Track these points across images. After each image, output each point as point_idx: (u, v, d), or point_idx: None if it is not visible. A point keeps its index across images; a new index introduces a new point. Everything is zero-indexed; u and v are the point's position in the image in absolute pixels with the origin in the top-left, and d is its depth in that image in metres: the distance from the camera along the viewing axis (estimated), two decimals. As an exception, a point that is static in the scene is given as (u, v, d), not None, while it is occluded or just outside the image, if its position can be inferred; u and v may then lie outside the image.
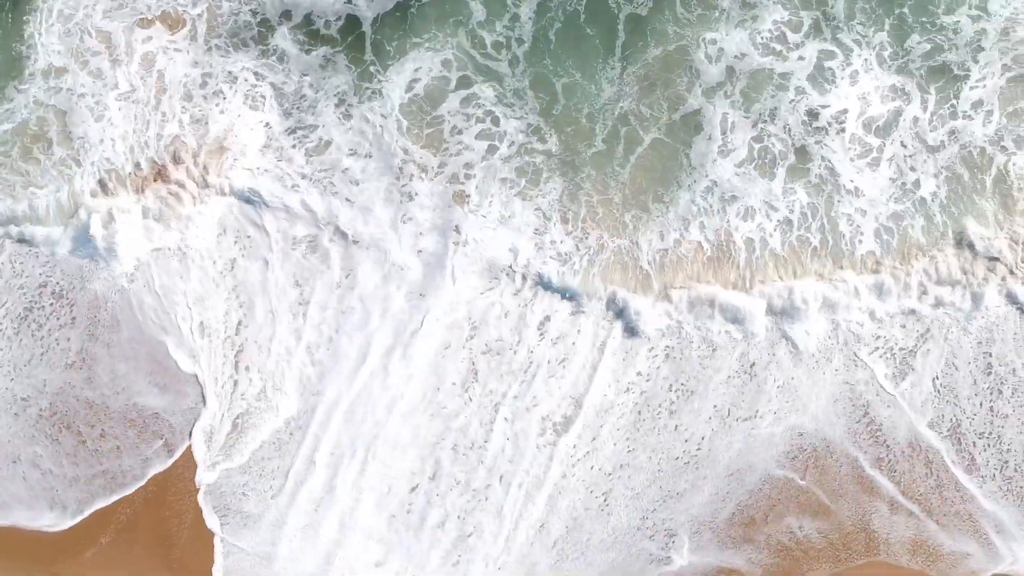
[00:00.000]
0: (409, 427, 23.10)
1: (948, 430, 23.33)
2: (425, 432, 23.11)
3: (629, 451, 23.23)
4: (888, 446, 23.28)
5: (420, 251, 23.06)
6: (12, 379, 23.26)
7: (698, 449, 23.25)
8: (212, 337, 23.05)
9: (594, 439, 23.21)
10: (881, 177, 23.34)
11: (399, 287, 23.04)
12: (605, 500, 23.26)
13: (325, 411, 23.11)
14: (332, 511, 23.11)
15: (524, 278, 23.10)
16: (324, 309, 23.05)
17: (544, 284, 23.05)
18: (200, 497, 23.15)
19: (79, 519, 23.24)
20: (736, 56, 23.25)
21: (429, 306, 23.06)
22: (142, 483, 23.31)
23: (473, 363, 23.08)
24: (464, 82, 23.30)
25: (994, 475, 23.40)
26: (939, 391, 23.32)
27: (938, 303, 23.20)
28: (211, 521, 23.08)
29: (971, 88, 23.28)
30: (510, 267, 23.10)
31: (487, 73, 23.31)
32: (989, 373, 23.38)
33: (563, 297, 23.12)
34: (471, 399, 23.10)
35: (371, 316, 23.04)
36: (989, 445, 23.38)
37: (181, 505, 23.35)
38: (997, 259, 23.15)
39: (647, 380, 23.27)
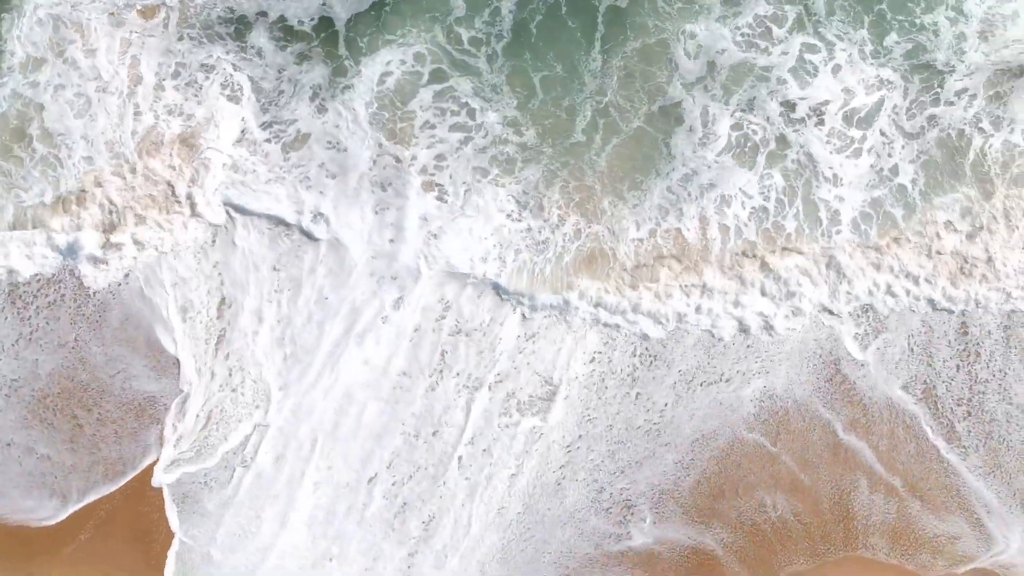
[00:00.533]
0: (369, 415, 23.02)
1: (922, 393, 22.89)
2: (387, 420, 23.03)
3: (589, 420, 23.04)
4: (864, 405, 23.02)
5: (392, 240, 23.06)
6: (1, 360, 23.11)
7: (660, 416, 22.98)
8: (194, 322, 23.01)
9: (555, 414, 23.07)
10: (862, 166, 23.34)
11: (370, 275, 23.02)
12: (563, 474, 23.08)
13: (288, 403, 23.07)
14: (282, 506, 23.07)
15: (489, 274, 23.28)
16: (297, 298, 23.02)
17: (497, 288, 23.20)
18: (166, 493, 23.16)
19: (79, 507, 23.06)
20: (718, 51, 23.19)
21: (399, 294, 22.97)
22: (137, 472, 23.23)
23: (441, 347, 23.01)
24: (438, 75, 23.26)
25: (977, 447, 23.02)
26: (912, 350, 23.10)
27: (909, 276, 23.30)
28: (172, 517, 23.07)
29: (956, 80, 23.29)
30: (481, 258, 23.18)
31: (463, 68, 23.28)
32: (965, 334, 23.09)
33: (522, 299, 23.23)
34: (436, 384, 23.01)
35: (342, 304, 23.01)
36: (969, 413, 22.91)
37: (160, 500, 23.16)
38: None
39: (612, 349, 23.17)
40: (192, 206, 23.08)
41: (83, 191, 23.03)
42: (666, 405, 23.17)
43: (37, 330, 23.03)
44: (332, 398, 23.07)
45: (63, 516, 22.96)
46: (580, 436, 23.23)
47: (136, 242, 23.06)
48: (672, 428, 23.16)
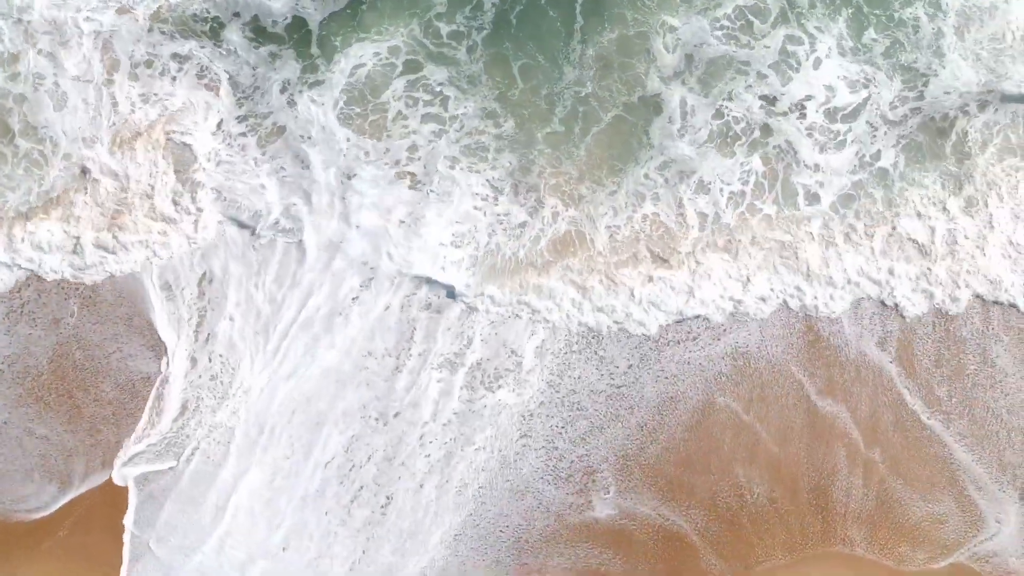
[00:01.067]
0: (331, 398, 22.93)
1: (896, 352, 22.54)
2: (348, 403, 22.89)
3: (550, 385, 22.77)
4: (840, 364, 22.75)
5: (358, 226, 23.09)
6: (-8, 338, 23.17)
7: (624, 376, 22.73)
8: (176, 301, 22.97)
9: (528, 389, 22.89)
10: (844, 157, 23.27)
11: (338, 261, 23.01)
12: (523, 444, 22.82)
13: (255, 388, 22.97)
14: (232, 496, 22.88)
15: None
16: (268, 283, 23.03)
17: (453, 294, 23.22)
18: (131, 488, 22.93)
19: (76, 495, 22.84)
20: (696, 44, 23.12)
21: (368, 276, 22.95)
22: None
23: (410, 325, 22.96)
24: (412, 66, 23.30)
25: (961, 413, 22.53)
26: (884, 304, 22.81)
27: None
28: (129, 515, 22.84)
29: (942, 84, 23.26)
30: (451, 243, 23.16)
31: (440, 59, 23.33)
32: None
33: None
34: (402, 364, 22.88)
35: (309, 290, 23.00)
36: (949, 378, 22.38)
37: (140, 495, 23.10)
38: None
39: (579, 311, 23.09)
40: (176, 196, 23.15)
41: (67, 188, 23.10)
42: (630, 366, 22.85)
43: (29, 302, 23.03)
44: (294, 383, 22.91)
45: (58, 505, 22.77)
46: (541, 403, 22.92)
47: (120, 243, 23.06)
48: (636, 390, 22.76)
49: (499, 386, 22.95)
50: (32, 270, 22.97)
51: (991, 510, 22.53)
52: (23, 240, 22.96)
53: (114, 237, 22.95)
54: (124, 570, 22.79)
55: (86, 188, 23.04)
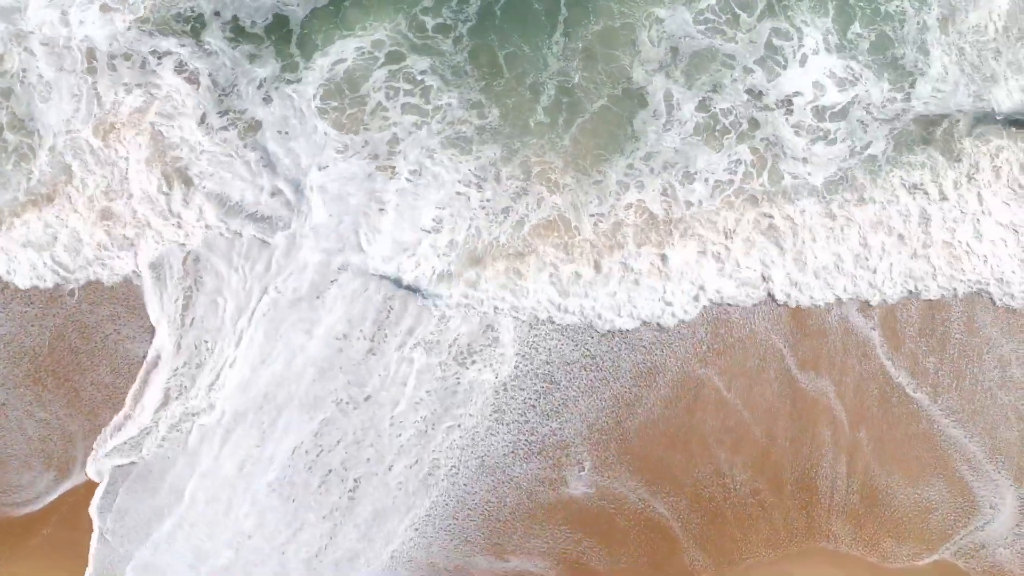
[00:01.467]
0: (301, 382, 22.72)
1: (880, 318, 22.28)
2: (321, 387, 22.70)
3: (523, 357, 22.55)
4: (823, 332, 22.54)
5: (331, 215, 23.01)
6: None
7: (597, 345, 22.54)
8: (164, 281, 22.87)
9: (506, 367, 22.68)
10: (835, 151, 23.20)
11: (315, 251, 22.88)
12: (495, 419, 22.55)
13: (230, 374, 22.80)
14: (200, 483, 22.72)
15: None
16: (246, 271, 22.93)
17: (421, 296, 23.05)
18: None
19: (70, 487, 22.69)
20: (682, 37, 23.03)
21: (344, 260, 22.80)
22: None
23: (386, 303, 22.80)
24: (395, 57, 23.21)
25: (948, 386, 22.26)
26: (871, 285, 22.64)
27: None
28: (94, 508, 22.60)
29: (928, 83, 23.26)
30: (430, 231, 23.03)
31: (423, 50, 23.22)
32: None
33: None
34: (377, 346, 22.66)
35: (289, 275, 22.86)
36: (935, 348, 21.97)
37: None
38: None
39: (560, 298, 22.90)
40: (162, 186, 23.07)
41: (56, 182, 23.11)
42: (603, 335, 22.61)
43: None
44: (268, 367, 22.71)
45: (55, 495, 22.60)
46: (514, 376, 22.64)
47: (111, 237, 23.03)
48: (611, 360, 22.49)
49: (473, 362, 22.70)
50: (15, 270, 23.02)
51: (985, 494, 22.19)
52: (13, 239, 23.03)
53: (105, 231, 22.91)
54: (91, 558, 22.57)
55: (72, 180, 23.00)
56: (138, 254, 22.87)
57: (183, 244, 22.83)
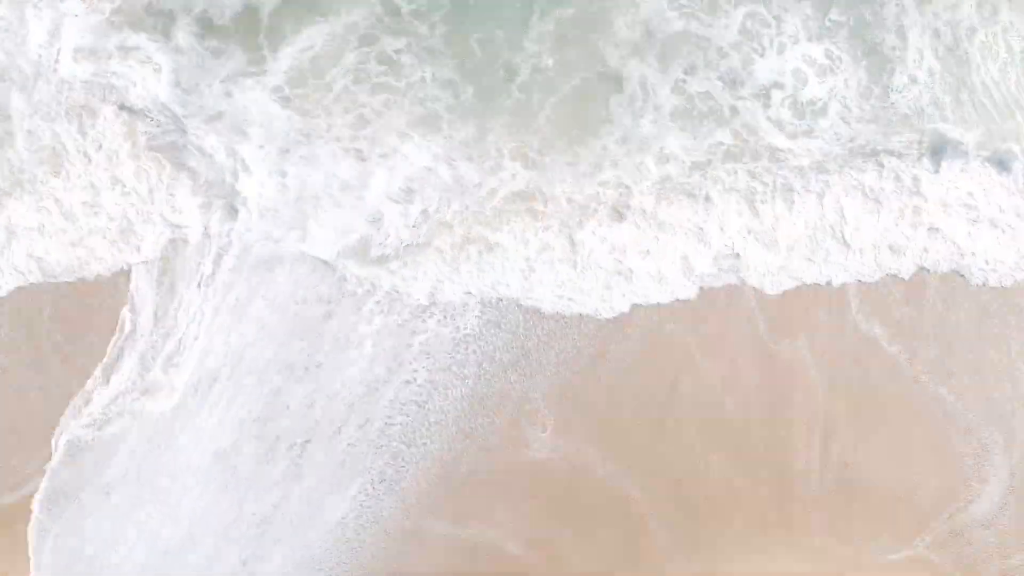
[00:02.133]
0: (258, 349, 22.37)
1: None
2: (275, 353, 22.37)
3: (484, 305, 22.30)
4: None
5: (298, 200, 22.81)
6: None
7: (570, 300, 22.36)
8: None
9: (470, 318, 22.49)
10: (814, 144, 23.18)
11: (276, 224, 22.66)
12: (453, 373, 22.19)
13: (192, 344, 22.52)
14: (150, 460, 22.26)
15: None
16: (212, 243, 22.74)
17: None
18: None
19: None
20: (657, 21, 22.94)
21: (300, 250, 22.57)
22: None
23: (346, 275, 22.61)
24: (368, 40, 23.05)
25: (927, 337, 22.15)
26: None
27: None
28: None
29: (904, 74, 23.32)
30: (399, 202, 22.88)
31: (398, 32, 23.06)
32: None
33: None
34: (333, 312, 22.40)
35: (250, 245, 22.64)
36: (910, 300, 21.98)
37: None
38: None
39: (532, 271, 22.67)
40: (138, 168, 22.74)
41: (33, 167, 22.81)
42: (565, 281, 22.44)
43: None
44: (228, 336, 22.35)
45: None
46: (472, 327, 22.33)
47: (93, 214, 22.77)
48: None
49: (432, 315, 22.39)
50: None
51: (973, 465, 21.73)
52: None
53: (88, 213, 22.67)
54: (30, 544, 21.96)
55: (50, 165, 22.72)
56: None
57: (154, 217, 22.47)
